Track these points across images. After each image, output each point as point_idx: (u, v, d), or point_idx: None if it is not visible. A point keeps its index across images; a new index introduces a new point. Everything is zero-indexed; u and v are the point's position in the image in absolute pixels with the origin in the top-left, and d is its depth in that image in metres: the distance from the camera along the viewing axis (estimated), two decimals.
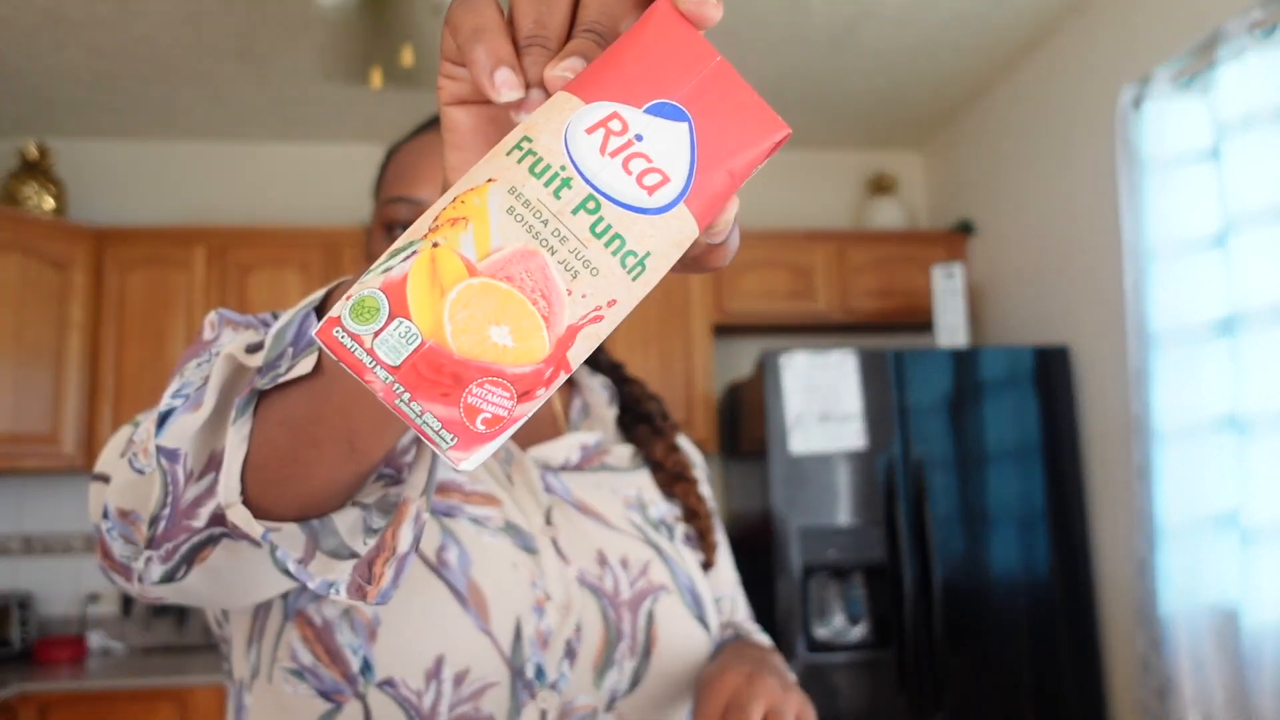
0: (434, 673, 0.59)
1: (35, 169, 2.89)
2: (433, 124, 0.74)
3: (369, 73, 2.20)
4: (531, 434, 0.75)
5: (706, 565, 0.77)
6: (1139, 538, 2.19)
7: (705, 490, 0.84)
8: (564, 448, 0.73)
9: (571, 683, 0.63)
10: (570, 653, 0.64)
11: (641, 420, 0.82)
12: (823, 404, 2.45)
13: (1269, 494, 1.88)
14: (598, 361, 0.85)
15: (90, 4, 2.38)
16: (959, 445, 2.48)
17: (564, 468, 0.73)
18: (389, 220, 0.71)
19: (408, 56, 2.10)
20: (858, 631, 2.42)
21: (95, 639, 2.82)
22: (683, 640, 0.69)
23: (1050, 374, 2.55)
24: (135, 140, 3.22)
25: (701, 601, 0.72)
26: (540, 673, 0.62)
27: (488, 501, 0.67)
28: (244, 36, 2.57)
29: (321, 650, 0.60)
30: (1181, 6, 2.18)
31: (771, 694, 0.58)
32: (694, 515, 0.77)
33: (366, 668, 0.59)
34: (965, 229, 3.17)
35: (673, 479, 0.78)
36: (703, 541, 0.77)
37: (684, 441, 0.87)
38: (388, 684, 0.59)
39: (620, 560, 0.69)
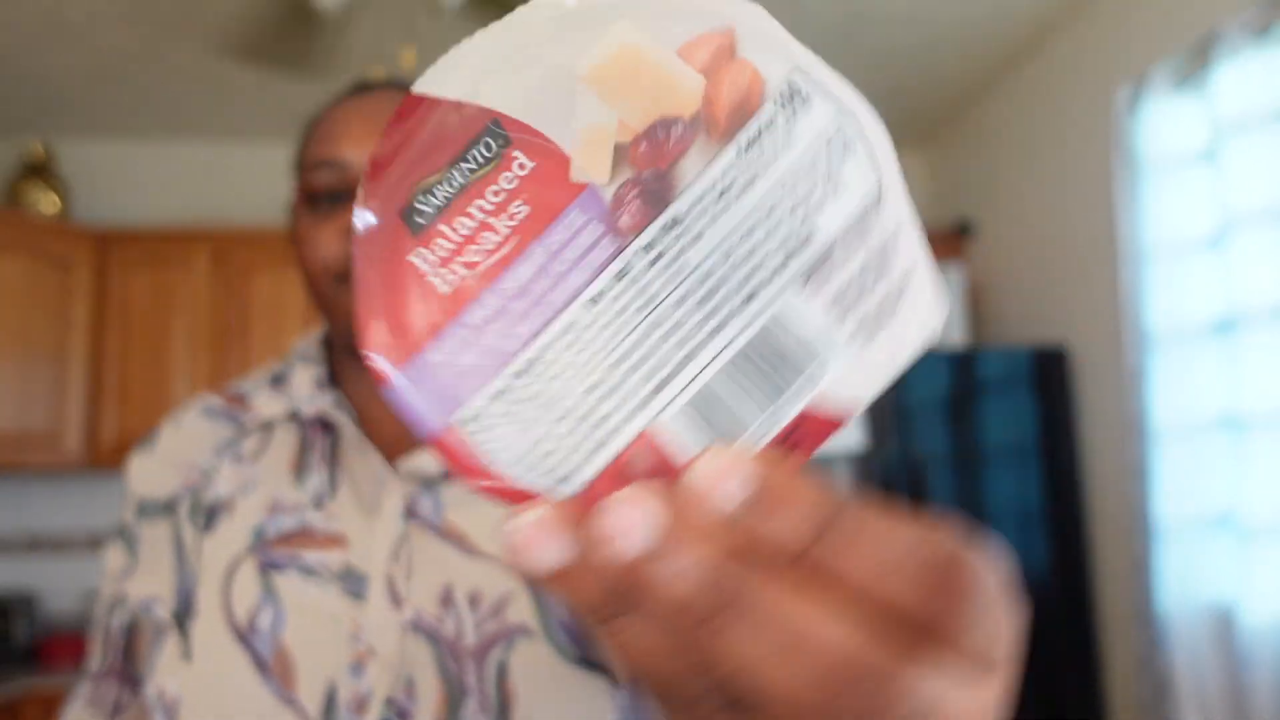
0: None
1: (39, 170, 2.91)
2: (357, 90, 0.68)
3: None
4: (415, 436, 0.65)
5: None
6: (1136, 537, 2.20)
7: None
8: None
9: None
10: (401, 713, 0.55)
11: None
12: None
13: (1266, 493, 1.89)
14: None
15: (93, 5, 2.39)
16: (957, 445, 2.49)
17: (447, 476, 0.62)
18: (311, 189, 0.64)
19: (409, 58, 2.11)
20: None
21: None
22: (552, 694, 0.56)
23: (1048, 374, 2.56)
24: (139, 141, 3.23)
25: (591, 638, 0.58)
26: None
27: (331, 543, 0.59)
28: (247, 37, 2.57)
29: None
30: (1178, 7, 2.18)
31: None
32: None
33: None
34: (964, 229, 3.18)
35: None
36: None
37: None
38: None
39: (469, 597, 0.57)
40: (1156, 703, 2.11)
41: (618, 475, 0.21)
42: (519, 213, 0.21)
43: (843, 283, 0.21)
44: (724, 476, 0.18)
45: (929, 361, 2.52)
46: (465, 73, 0.21)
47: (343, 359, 0.70)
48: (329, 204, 0.63)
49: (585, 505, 0.20)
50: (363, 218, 0.22)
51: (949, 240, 3.20)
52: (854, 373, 0.21)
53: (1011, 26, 2.64)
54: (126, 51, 2.63)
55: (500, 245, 0.21)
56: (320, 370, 0.68)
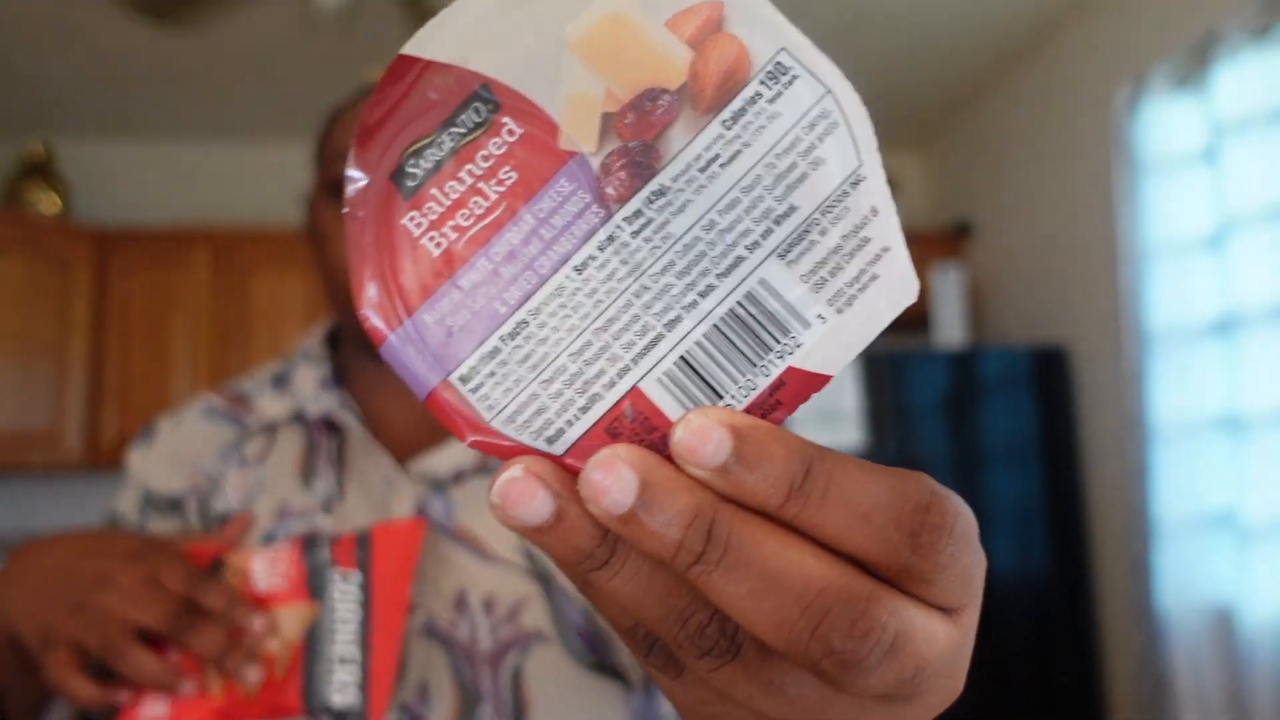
0: None
1: (39, 170, 2.91)
2: None
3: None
4: (424, 436, 0.65)
5: None
6: (1136, 537, 2.20)
7: None
8: (453, 454, 0.61)
9: None
10: (415, 719, 0.54)
11: None
12: (820, 403, 2.46)
13: (1265, 493, 1.89)
14: None
15: (95, 5, 2.40)
16: (957, 445, 2.49)
17: (457, 479, 0.61)
18: (335, 180, 0.62)
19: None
20: None
21: None
22: (568, 699, 0.56)
23: (1048, 374, 2.56)
24: (139, 141, 3.24)
25: (606, 643, 0.58)
26: None
27: None
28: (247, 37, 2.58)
29: None
30: (1178, 7, 2.19)
31: None
32: None
33: None
34: (964, 229, 3.18)
35: None
36: None
37: None
38: None
39: (483, 602, 0.57)
40: (1156, 701, 2.11)
41: (605, 434, 0.21)
42: (508, 178, 0.21)
43: (820, 257, 0.21)
44: (706, 434, 0.19)
45: (929, 361, 2.53)
46: (454, 35, 0.22)
47: (350, 357, 0.69)
48: None
49: (574, 462, 0.21)
50: (354, 179, 0.22)
51: (949, 240, 3.21)
52: (831, 337, 0.21)
53: (1011, 26, 2.65)
54: (126, 51, 2.64)
55: (490, 210, 0.21)
56: (325, 369, 0.67)
